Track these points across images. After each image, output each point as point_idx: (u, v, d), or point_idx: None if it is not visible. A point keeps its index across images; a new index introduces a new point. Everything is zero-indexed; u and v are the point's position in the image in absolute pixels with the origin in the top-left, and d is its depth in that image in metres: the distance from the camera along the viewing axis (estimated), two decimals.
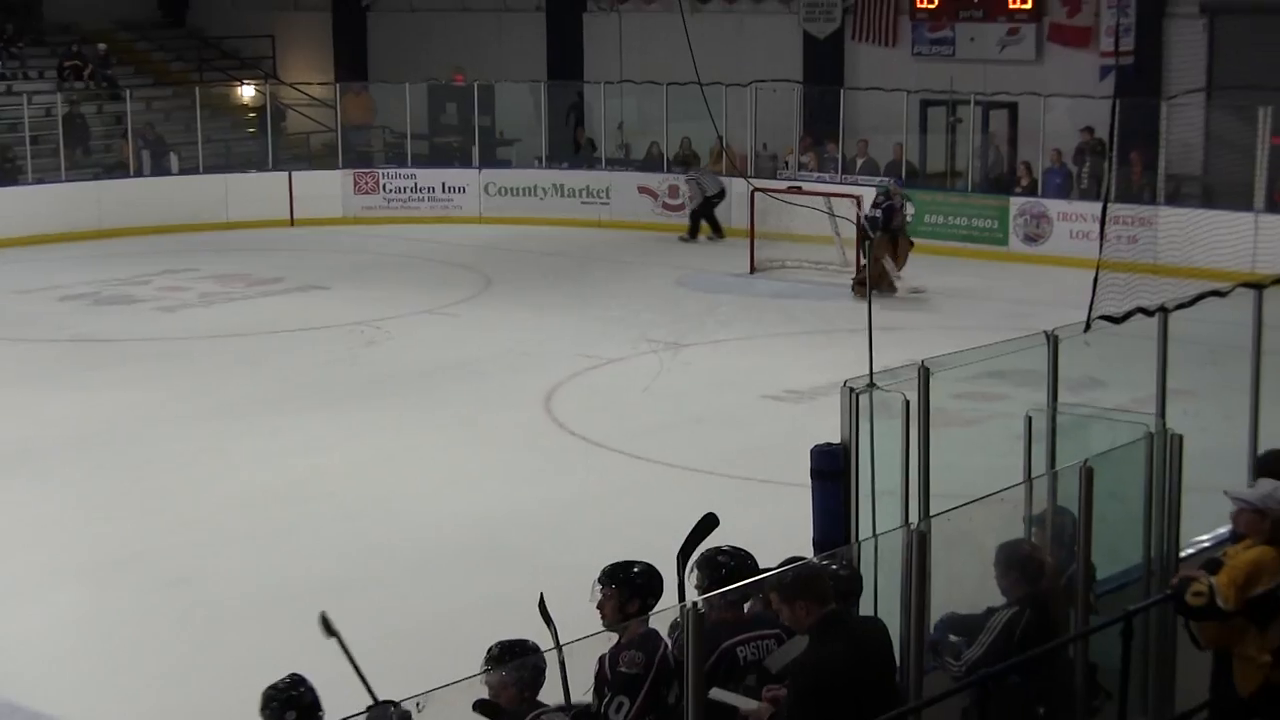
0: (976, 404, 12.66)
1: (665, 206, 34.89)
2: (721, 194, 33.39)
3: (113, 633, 14.26)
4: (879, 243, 26.23)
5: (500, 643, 8.34)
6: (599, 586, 8.50)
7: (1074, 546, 9.35)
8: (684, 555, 8.88)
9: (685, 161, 35.23)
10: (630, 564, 8.61)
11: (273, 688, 8.26)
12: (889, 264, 26.70)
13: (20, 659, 13.57)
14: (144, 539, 16.58)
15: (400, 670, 8.39)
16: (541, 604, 8.61)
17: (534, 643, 8.29)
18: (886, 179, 30.52)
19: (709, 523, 8.81)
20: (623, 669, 8.17)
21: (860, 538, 9.90)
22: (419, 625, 13.84)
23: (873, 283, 25.24)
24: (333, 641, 8.57)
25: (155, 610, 14.73)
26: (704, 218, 33.83)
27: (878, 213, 27.03)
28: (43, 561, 15.36)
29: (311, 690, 8.28)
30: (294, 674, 8.38)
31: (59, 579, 14.57)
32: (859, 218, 27.72)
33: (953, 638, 8.84)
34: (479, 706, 7.55)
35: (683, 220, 34.24)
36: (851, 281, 26.99)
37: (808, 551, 9.81)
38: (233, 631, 14.22)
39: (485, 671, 7.92)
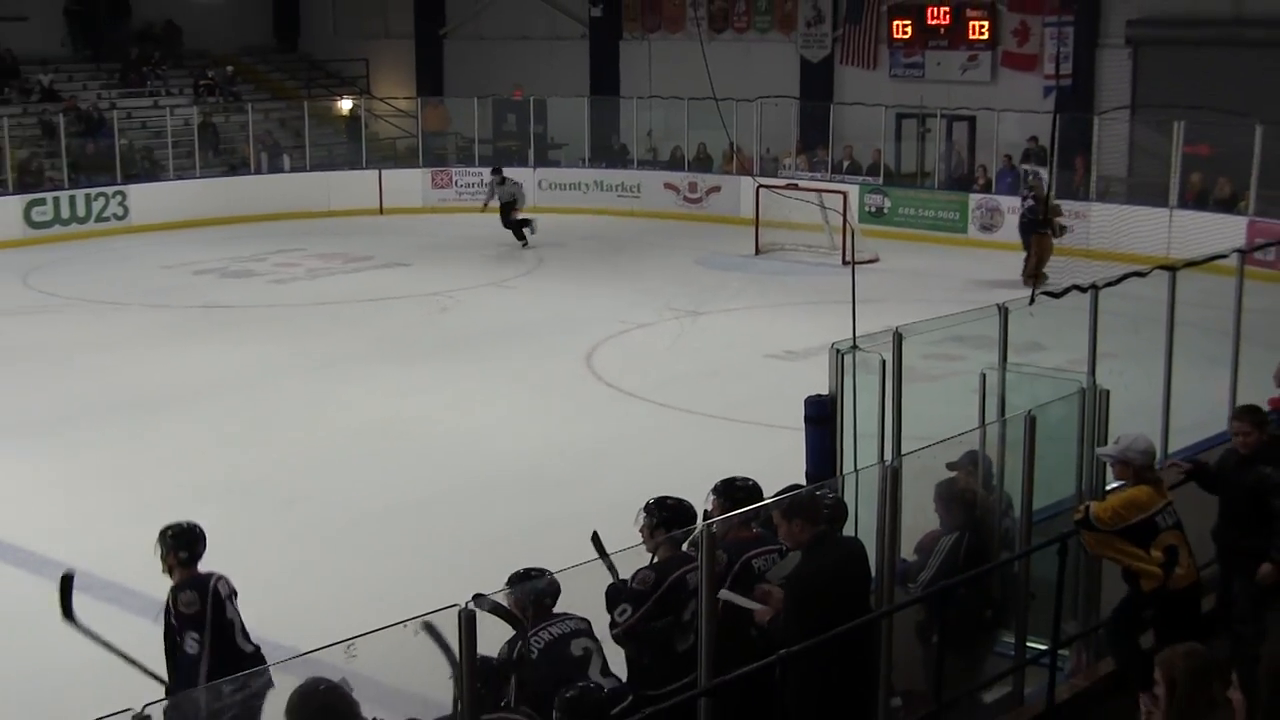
0: (940, 363, 12.61)
1: (686, 200, 34.79)
2: (514, 203, 31.85)
3: (249, 541, 14.30)
4: (1039, 236, 25.95)
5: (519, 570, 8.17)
6: (641, 514, 8.48)
7: (993, 482, 9.42)
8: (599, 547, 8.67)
9: (498, 170, 33.15)
10: (666, 499, 8.54)
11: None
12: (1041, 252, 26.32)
13: None
14: (267, 466, 16.73)
15: (469, 571, 8.30)
16: (595, 539, 8.43)
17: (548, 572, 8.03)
18: (1033, 169, 30.32)
19: (597, 542, 8.52)
20: (635, 585, 8.15)
21: (844, 472, 9.91)
22: (489, 537, 13.81)
23: (1036, 270, 25.24)
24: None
25: (276, 525, 14.86)
26: (509, 224, 31.62)
27: (1030, 202, 26.74)
28: (188, 482, 15.40)
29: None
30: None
31: (202, 496, 14.55)
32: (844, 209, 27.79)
33: (908, 558, 8.87)
34: (499, 610, 7.42)
35: (699, 211, 34.21)
36: (1021, 275, 26.23)
37: (802, 483, 9.81)
38: (338, 541, 14.32)
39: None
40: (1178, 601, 9.07)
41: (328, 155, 38.38)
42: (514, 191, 31.95)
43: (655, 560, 8.30)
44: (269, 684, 6.95)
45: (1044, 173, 29.06)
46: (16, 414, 18.94)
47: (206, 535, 8.95)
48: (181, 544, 8.83)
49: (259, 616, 9.22)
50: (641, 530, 8.41)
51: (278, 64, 44.02)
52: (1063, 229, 26.23)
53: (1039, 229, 25.82)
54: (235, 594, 8.76)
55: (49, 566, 13.49)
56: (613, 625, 8.20)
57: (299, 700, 6.57)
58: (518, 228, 31.40)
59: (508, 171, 32.77)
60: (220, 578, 8.76)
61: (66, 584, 8.34)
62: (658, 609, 8.10)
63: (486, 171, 33.77)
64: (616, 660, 8.21)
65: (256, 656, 8.75)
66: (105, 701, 5.63)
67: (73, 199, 33.77)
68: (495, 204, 31.86)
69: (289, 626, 10.45)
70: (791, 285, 26.50)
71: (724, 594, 7.86)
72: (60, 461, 16.93)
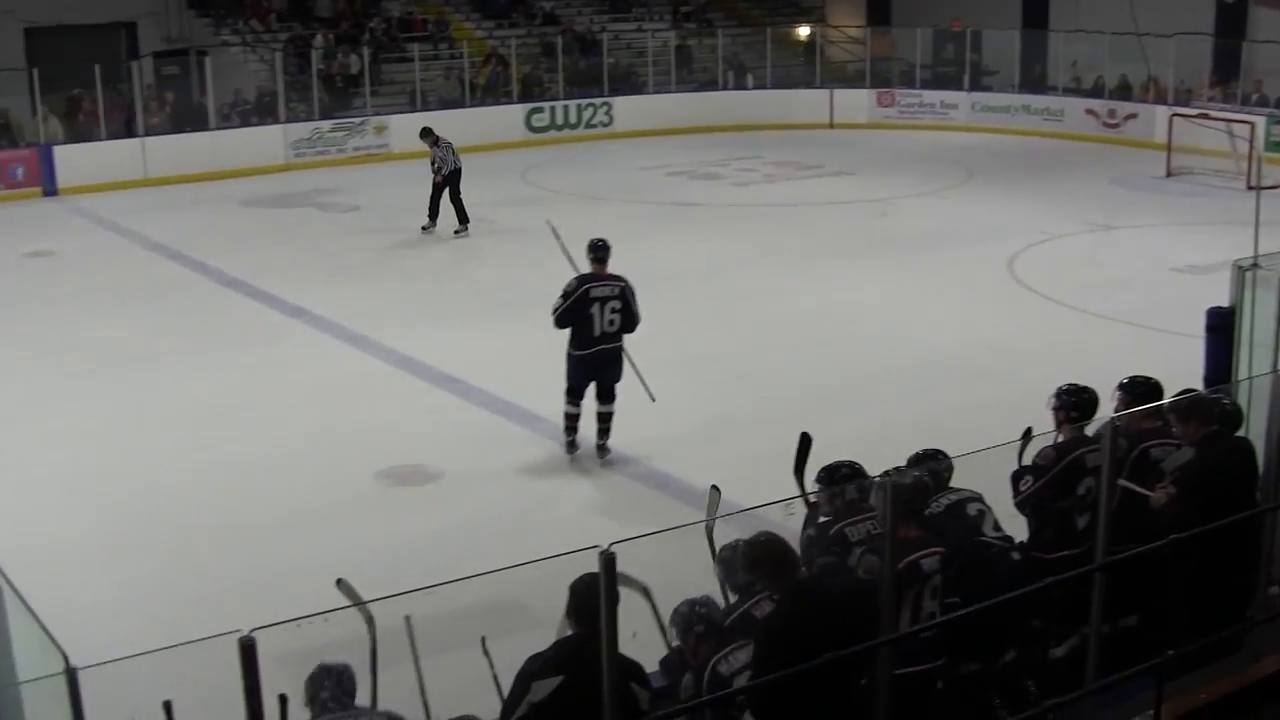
0: None
1: (1105, 124, 33.69)
2: (457, 173, 23.70)
3: (710, 403, 14.83)
4: None
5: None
6: (1052, 398, 8.45)
7: None
8: (798, 472, 8.49)
9: (429, 131, 24.36)
10: (1075, 386, 8.49)
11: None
12: None
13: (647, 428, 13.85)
14: (721, 344, 17.08)
15: (898, 445, 8.50)
16: (1027, 433, 8.44)
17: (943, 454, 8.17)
18: None
19: (806, 440, 8.40)
20: (1037, 460, 8.16)
21: (1239, 378, 9.73)
22: (917, 417, 13.85)
23: None
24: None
25: (735, 395, 15.19)
26: (438, 198, 23.85)
27: None
28: (659, 357, 14.69)
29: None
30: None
31: (673, 368, 14.94)
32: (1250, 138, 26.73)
33: None
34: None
35: (1116, 135, 33.28)
36: None
37: (1198, 387, 9.67)
38: (772, 410, 14.44)
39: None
40: None
41: (786, 75, 38.47)
42: (452, 159, 23.81)
43: (1058, 440, 8.30)
44: None
45: None
46: (511, 289, 19.74)
47: None
48: None
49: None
50: (1054, 411, 8.43)
51: None
52: None
53: None
54: None
55: (534, 421, 14.24)
56: (1016, 494, 8.23)
57: (750, 548, 6.73)
58: (461, 207, 23.84)
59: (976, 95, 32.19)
60: None
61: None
62: (1057, 483, 8.10)
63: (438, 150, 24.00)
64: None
65: None
66: None
67: (566, 108, 34.92)
68: (443, 170, 23.73)
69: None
70: (1198, 206, 25.58)
71: (1122, 482, 7.87)
72: (549, 329, 17.35)
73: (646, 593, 7.11)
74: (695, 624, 6.81)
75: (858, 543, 7.23)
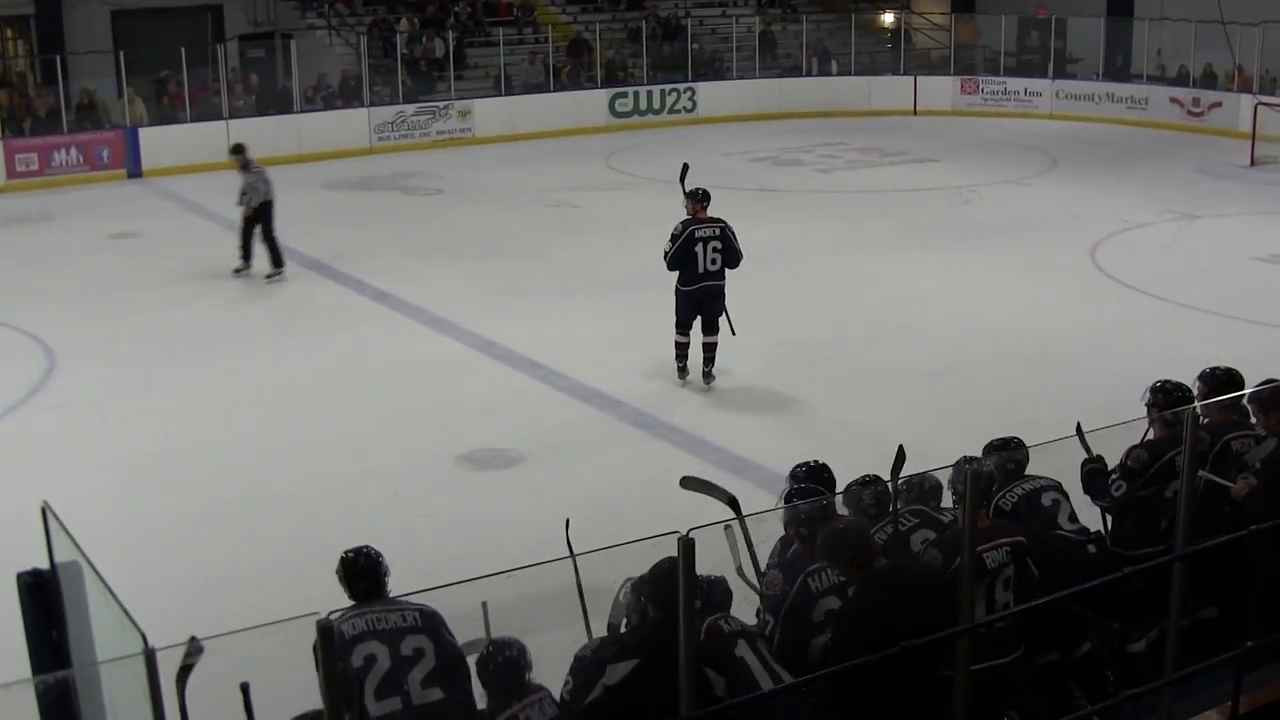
0: None
1: (1189, 113, 33.29)
2: (268, 205, 19.70)
3: (786, 386, 14.85)
4: None
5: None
6: (1147, 393, 8.30)
7: None
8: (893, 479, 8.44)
9: (240, 149, 20.27)
10: (1166, 383, 8.32)
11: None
12: None
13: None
14: (803, 330, 17.04)
15: (975, 433, 8.42)
16: (1078, 429, 8.24)
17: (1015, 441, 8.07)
18: None
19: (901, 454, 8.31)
20: (1129, 463, 8.00)
21: None
22: (994, 403, 13.88)
23: None
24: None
25: (814, 380, 15.13)
26: (249, 234, 19.88)
27: None
28: (735, 343, 15.07)
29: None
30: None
31: (751, 351, 15.14)
32: None
33: None
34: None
35: (1200, 124, 32.83)
36: None
37: None
38: (852, 397, 14.57)
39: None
40: None
41: (870, 62, 38.26)
42: (264, 188, 19.82)
43: (1148, 438, 8.17)
44: None
45: None
46: (595, 274, 19.85)
47: None
48: None
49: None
50: (1148, 408, 8.25)
51: None
52: None
53: None
54: None
55: (615, 406, 14.26)
56: (1105, 496, 8.10)
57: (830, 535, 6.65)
58: (275, 247, 19.88)
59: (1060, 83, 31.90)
60: None
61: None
62: (1148, 485, 7.97)
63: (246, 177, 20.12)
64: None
65: None
66: None
67: (649, 93, 34.94)
68: (252, 202, 19.80)
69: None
70: None
71: (1203, 474, 7.76)
72: (630, 315, 17.43)
73: (734, 504, 7.22)
74: (801, 525, 7.03)
75: (820, 594, 6.83)
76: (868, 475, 7.62)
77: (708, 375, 14.82)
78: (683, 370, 14.90)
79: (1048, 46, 36.58)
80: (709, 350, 14.80)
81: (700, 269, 14.42)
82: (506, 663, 6.04)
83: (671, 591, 5.34)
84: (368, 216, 24.50)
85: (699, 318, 14.71)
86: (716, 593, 6.51)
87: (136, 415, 14.39)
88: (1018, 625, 6.91)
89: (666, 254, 14.48)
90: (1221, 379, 8.54)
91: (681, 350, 14.85)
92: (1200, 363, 8.78)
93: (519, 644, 6.12)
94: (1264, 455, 8.02)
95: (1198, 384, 8.55)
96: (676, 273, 14.56)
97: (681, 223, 14.50)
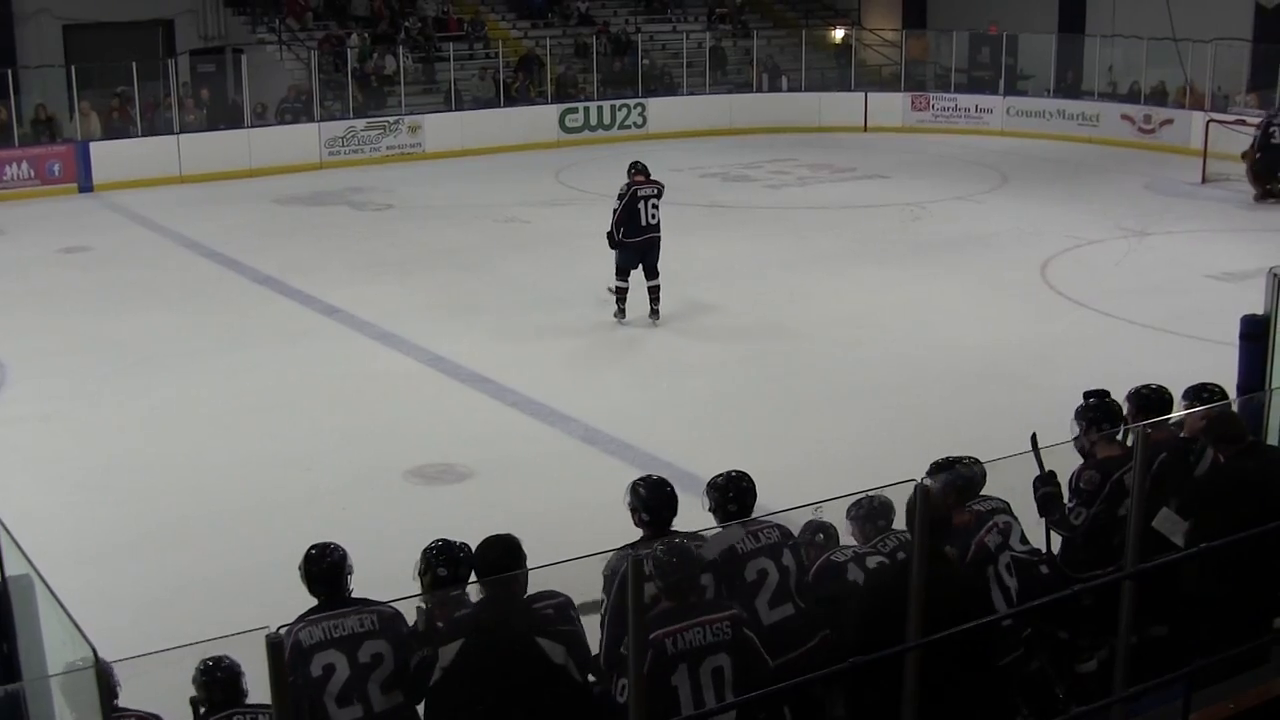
0: None
1: (1140, 130, 33.52)
2: None
3: (729, 406, 14.83)
4: None
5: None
6: (1127, 405, 8.23)
7: None
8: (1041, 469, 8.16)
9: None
10: (1100, 395, 8.30)
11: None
12: None
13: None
14: (751, 345, 17.11)
15: (923, 449, 8.43)
16: (1033, 439, 8.08)
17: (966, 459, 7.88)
18: None
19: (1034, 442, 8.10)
20: (1081, 485, 7.88)
21: (1273, 386, 9.64)
22: (940, 421, 13.94)
23: None
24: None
25: (764, 397, 15.17)
26: None
27: None
28: (691, 349, 15.59)
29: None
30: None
31: (704, 362, 15.01)
32: None
33: None
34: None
35: (1152, 141, 33.07)
36: None
37: (1218, 385, 9.38)
38: (803, 413, 14.60)
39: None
40: None
41: (820, 78, 38.39)
42: None
43: (1096, 457, 8.02)
44: None
45: None
46: (543, 290, 19.89)
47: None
48: None
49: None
50: (1077, 423, 8.14)
51: None
52: None
53: None
54: None
55: (564, 421, 14.28)
56: (1067, 526, 7.94)
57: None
58: None
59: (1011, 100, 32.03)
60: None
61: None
62: (1104, 505, 7.90)
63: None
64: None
65: None
66: None
67: (600, 109, 35.03)
68: None
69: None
70: (1234, 213, 25.45)
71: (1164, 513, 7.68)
72: (579, 330, 17.69)
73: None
74: (816, 532, 7.50)
75: (674, 657, 5.98)
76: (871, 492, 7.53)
77: (655, 314, 17.66)
78: (621, 313, 17.67)
79: (999, 63, 36.79)
80: (654, 292, 17.65)
81: (643, 222, 17.32)
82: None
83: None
84: (318, 231, 24.45)
85: (640, 266, 17.46)
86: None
87: (87, 429, 14.37)
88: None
89: (615, 212, 17.32)
90: (1149, 397, 8.48)
91: (622, 294, 17.64)
92: (1151, 379, 8.81)
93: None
94: (1199, 474, 7.96)
95: (1126, 403, 8.46)
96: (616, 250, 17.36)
97: (625, 185, 17.44)
